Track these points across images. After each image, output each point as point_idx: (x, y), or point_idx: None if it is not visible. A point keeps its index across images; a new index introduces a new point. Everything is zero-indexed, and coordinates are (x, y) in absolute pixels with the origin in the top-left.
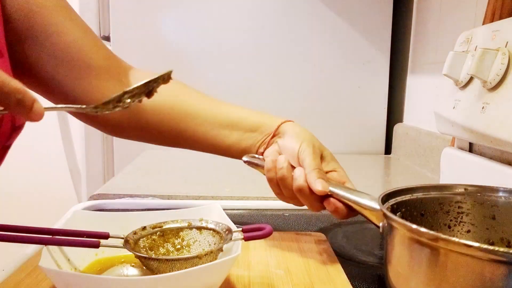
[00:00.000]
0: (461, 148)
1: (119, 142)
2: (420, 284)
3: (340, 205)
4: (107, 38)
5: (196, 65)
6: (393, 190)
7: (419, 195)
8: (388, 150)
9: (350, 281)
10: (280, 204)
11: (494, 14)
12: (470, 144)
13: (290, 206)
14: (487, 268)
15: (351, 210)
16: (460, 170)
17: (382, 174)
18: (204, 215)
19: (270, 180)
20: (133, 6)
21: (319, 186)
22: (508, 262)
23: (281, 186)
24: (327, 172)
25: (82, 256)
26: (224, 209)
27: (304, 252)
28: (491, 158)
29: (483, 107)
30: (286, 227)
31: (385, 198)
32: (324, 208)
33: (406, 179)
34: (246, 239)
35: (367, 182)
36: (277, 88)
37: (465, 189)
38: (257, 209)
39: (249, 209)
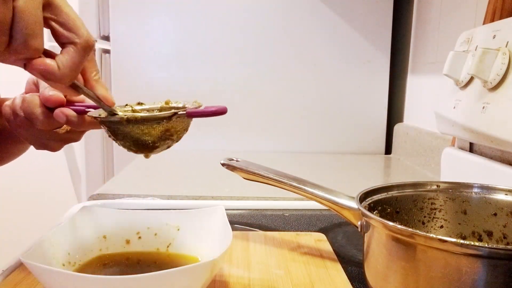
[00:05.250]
0: (462, 148)
1: None
2: (398, 280)
3: (71, 113)
4: (107, 38)
5: (195, 65)
6: (370, 189)
7: (394, 193)
8: (388, 150)
9: (350, 281)
10: (280, 204)
11: (495, 14)
12: (471, 144)
13: (290, 206)
14: (463, 262)
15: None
16: (461, 170)
17: (382, 174)
18: (207, 217)
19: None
20: (133, 6)
21: (50, 92)
22: (483, 255)
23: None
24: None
25: (84, 251)
26: (224, 209)
27: (304, 252)
28: (492, 158)
29: (483, 107)
30: (286, 227)
31: (362, 197)
32: (59, 127)
33: (406, 179)
34: (189, 114)
35: (367, 182)
36: (277, 88)
37: (437, 186)
38: (257, 209)
39: (249, 209)
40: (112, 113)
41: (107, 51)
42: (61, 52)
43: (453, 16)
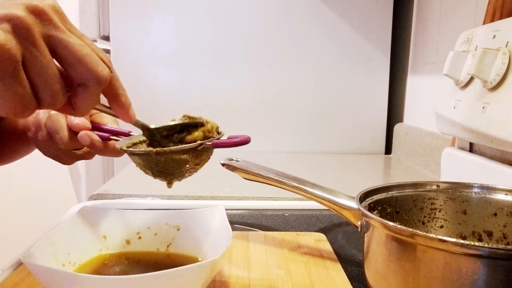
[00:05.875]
0: (462, 148)
1: None
2: (398, 280)
3: (95, 137)
4: (107, 38)
5: (195, 65)
6: (370, 189)
7: (394, 193)
8: (388, 150)
9: (350, 281)
10: (280, 204)
11: (495, 13)
12: (471, 144)
13: (290, 206)
14: (463, 262)
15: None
16: (461, 170)
17: (382, 174)
18: (207, 217)
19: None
20: (133, 6)
21: (77, 120)
22: (483, 255)
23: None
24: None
25: (84, 251)
26: (224, 209)
27: (304, 252)
28: (492, 158)
29: (483, 107)
30: (286, 227)
31: (362, 197)
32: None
33: (406, 179)
34: (214, 145)
35: (367, 182)
36: (277, 88)
37: (437, 186)
38: (257, 209)
39: (249, 209)
40: (139, 141)
41: (107, 51)
42: (74, 93)
43: (453, 16)
